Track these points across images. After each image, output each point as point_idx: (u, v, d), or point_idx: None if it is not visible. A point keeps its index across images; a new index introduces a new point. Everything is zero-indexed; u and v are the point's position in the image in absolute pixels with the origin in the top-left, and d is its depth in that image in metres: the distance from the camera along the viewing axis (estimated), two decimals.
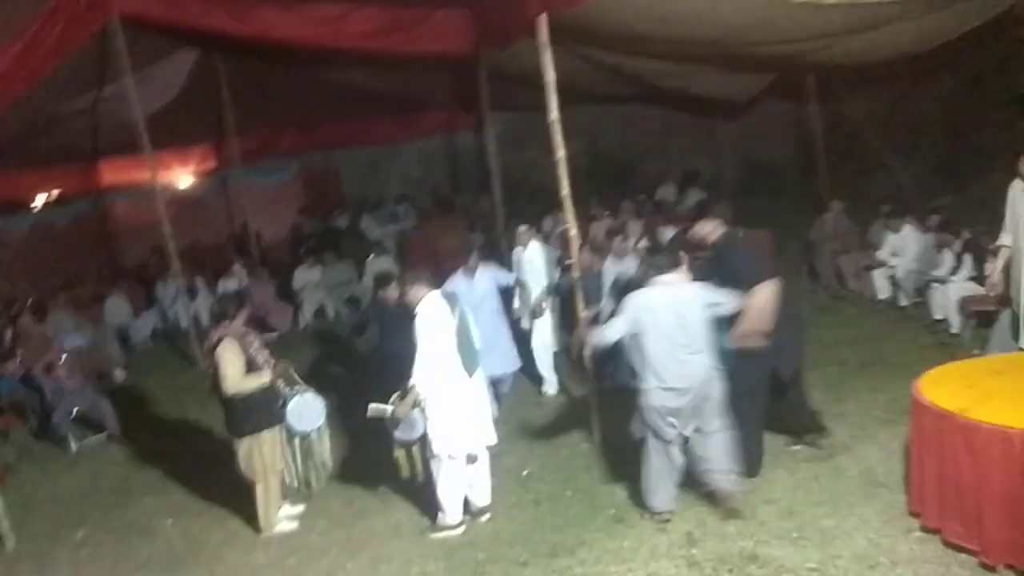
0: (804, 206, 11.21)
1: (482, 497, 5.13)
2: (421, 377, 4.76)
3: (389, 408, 4.92)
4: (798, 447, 5.35)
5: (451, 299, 5.02)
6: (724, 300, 4.60)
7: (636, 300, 4.60)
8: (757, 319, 4.68)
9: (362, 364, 7.21)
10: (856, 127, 11.60)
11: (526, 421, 6.63)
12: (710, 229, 5.10)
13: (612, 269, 7.30)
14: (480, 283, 6.75)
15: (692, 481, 5.24)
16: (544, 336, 7.17)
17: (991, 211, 6.42)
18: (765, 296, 4.74)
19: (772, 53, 8.04)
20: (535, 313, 7.07)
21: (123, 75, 8.58)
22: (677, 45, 7.70)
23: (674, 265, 4.71)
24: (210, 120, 12.28)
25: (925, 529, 4.20)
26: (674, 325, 4.47)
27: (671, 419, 4.54)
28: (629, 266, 7.11)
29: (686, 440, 4.62)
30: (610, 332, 4.67)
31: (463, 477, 5.01)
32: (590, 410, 6.14)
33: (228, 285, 11.19)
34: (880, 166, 11.40)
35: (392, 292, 7.20)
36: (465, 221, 12.61)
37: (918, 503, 4.29)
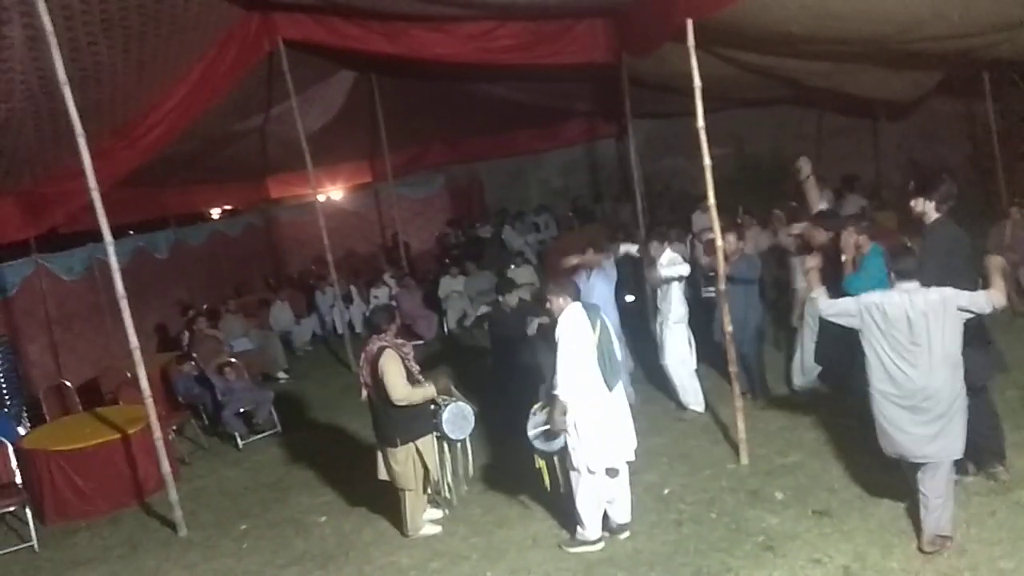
0: (979, 212, 10.26)
1: (622, 514, 5.04)
2: (565, 388, 4.74)
3: (544, 418, 4.94)
4: (971, 478, 4.88)
5: (593, 311, 4.97)
6: (973, 299, 4.19)
7: (873, 298, 4.35)
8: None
9: (494, 371, 7.31)
10: None
11: (665, 438, 6.45)
12: (927, 209, 4.78)
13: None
14: (607, 279, 6.91)
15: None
16: (681, 352, 6.91)
17: None
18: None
19: (942, 49, 7.44)
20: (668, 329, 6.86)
21: (288, 96, 9.21)
22: (835, 45, 7.29)
23: (915, 271, 4.35)
24: (365, 137, 12.94)
25: None
26: (906, 332, 4.20)
27: (894, 436, 4.29)
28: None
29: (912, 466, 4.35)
30: (834, 307, 4.54)
31: (603, 492, 4.94)
32: (734, 429, 5.91)
33: (379, 293, 11.71)
34: None
35: (511, 300, 7.27)
36: (606, 230, 12.51)
37: None
